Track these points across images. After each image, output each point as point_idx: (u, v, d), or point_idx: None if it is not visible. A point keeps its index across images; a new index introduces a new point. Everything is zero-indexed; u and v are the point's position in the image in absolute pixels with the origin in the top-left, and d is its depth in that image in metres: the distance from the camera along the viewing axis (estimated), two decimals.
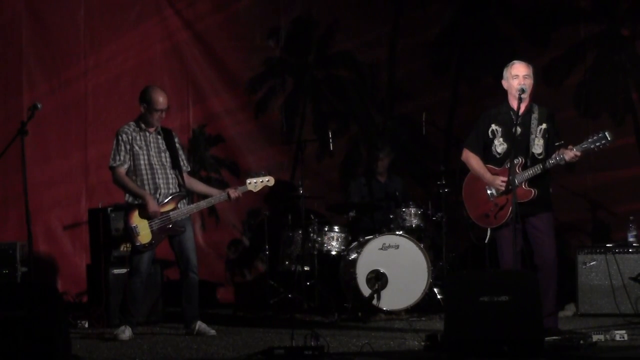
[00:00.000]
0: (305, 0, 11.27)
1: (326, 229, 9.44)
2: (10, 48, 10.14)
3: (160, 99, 7.70)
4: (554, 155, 7.02)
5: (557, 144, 7.11)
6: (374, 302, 8.69)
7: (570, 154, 6.92)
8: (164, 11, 10.84)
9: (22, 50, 10.14)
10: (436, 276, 9.12)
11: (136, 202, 7.62)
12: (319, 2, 11.28)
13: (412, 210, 9.27)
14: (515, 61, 7.19)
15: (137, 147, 7.69)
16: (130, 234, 7.60)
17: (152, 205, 7.56)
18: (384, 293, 8.72)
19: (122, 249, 8.68)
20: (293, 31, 11.24)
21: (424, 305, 8.85)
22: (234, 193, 7.78)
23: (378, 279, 8.74)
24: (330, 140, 9.68)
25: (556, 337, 6.53)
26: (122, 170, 7.67)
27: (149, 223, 7.59)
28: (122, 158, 7.67)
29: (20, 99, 10.03)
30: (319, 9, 11.25)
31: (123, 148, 7.67)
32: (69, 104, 10.33)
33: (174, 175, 7.78)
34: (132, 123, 7.78)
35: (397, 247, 8.84)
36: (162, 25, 10.83)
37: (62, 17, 10.34)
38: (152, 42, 10.77)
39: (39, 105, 7.02)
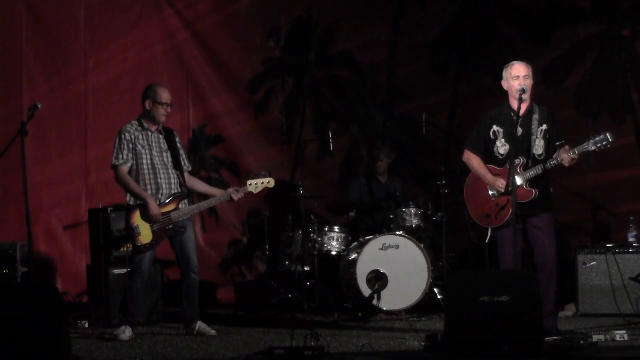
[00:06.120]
0: (305, 0, 11.27)
1: (326, 229, 9.43)
2: (10, 48, 10.14)
3: (164, 94, 7.74)
4: (554, 156, 7.03)
5: (557, 143, 7.11)
6: (374, 302, 8.69)
7: (567, 157, 6.92)
8: (164, 11, 10.83)
9: (22, 50, 10.14)
10: (436, 276, 9.12)
11: (137, 203, 7.62)
12: (319, 2, 11.27)
13: (412, 210, 9.27)
14: (514, 62, 7.19)
15: (139, 147, 7.69)
16: (131, 234, 7.60)
17: (154, 209, 7.56)
18: (384, 293, 8.72)
19: (122, 249, 8.67)
20: (293, 31, 11.24)
21: (424, 305, 8.85)
22: (236, 195, 7.77)
23: (378, 279, 8.74)
24: (330, 140, 9.68)
25: (556, 337, 6.55)
26: (125, 168, 7.67)
27: (149, 223, 7.59)
28: (124, 156, 7.66)
29: (20, 99, 10.02)
30: (319, 9, 11.24)
31: (126, 146, 7.66)
32: (69, 104, 10.33)
33: (175, 175, 7.78)
34: (134, 122, 7.78)
35: (397, 247, 8.84)
36: (162, 25, 10.83)
37: (62, 17, 10.33)
38: (152, 42, 10.77)
39: (39, 105, 7.02)
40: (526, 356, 5.82)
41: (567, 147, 6.99)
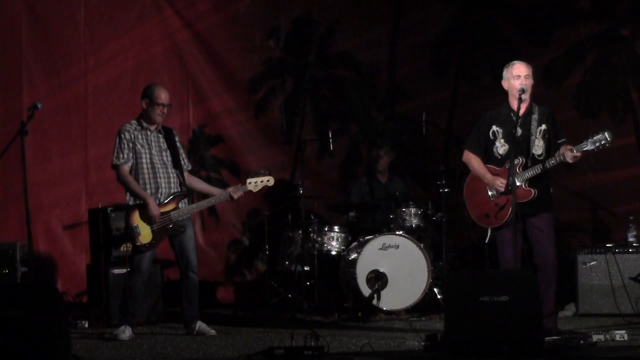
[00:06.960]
0: (305, 0, 11.27)
1: (326, 229, 9.43)
2: (10, 48, 10.13)
3: (162, 95, 7.72)
4: (556, 154, 7.01)
5: (559, 141, 7.09)
6: (374, 302, 8.69)
7: (570, 154, 6.91)
8: (164, 11, 10.83)
9: (22, 50, 10.13)
10: (436, 276, 9.12)
11: (137, 203, 7.62)
12: (319, 2, 11.28)
13: (412, 210, 9.27)
14: (515, 61, 7.19)
15: (139, 146, 7.69)
16: (131, 233, 7.59)
17: (153, 209, 7.55)
18: (384, 293, 8.72)
19: (122, 249, 8.67)
20: (293, 31, 11.24)
21: (424, 305, 8.85)
22: (236, 193, 7.77)
23: (378, 279, 8.74)
24: (330, 140, 9.69)
25: (556, 337, 6.54)
26: (126, 168, 7.66)
27: (149, 224, 7.59)
28: (125, 156, 7.66)
29: (20, 99, 10.01)
30: (319, 9, 11.25)
31: (126, 146, 7.66)
32: (69, 104, 10.32)
33: (175, 175, 7.78)
34: (133, 122, 7.78)
35: (397, 247, 8.84)
36: (162, 25, 10.82)
37: (62, 17, 10.32)
38: (152, 42, 10.76)
39: (39, 105, 7.03)
40: (526, 356, 5.82)
41: (569, 146, 6.97)
